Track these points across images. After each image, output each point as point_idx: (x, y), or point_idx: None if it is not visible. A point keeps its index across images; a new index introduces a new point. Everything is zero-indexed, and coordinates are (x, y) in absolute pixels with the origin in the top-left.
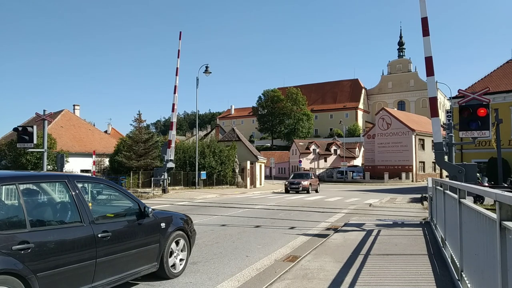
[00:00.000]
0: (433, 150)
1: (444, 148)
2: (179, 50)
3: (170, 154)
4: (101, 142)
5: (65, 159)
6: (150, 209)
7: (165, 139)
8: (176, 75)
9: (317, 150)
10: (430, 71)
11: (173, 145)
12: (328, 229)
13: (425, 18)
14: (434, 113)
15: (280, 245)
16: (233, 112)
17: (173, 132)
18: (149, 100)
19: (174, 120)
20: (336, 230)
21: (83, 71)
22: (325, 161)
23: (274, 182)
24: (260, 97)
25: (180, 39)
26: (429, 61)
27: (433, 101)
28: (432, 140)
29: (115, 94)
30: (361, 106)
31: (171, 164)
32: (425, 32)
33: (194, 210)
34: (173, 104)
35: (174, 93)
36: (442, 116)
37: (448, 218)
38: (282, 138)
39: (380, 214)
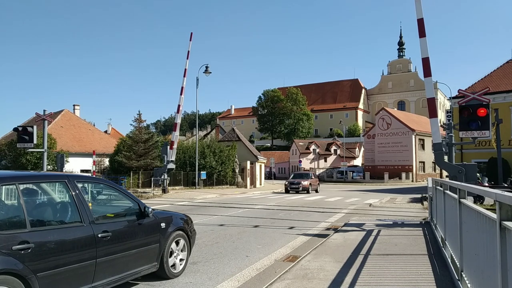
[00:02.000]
0: (433, 151)
1: (444, 148)
2: (188, 51)
3: (172, 155)
4: (101, 142)
5: (65, 159)
6: (150, 209)
7: (165, 139)
8: (184, 76)
9: (317, 150)
10: (427, 72)
11: (175, 146)
12: (328, 229)
13: (421, 19)
14: (432, 114)
15: (280, 245)
16: (233, 112)
17: (176, 133)
18: (149, 100)
19: (178, 121)
20: (336, 230)
21: (83, 71)
22: (325, 161)
23: (274, 182)
24: (260, 97)
25: (190, 40)
26: (426, 62)
27: (432, 102)
28: (432, 140)
29: (115, 94)
30: (361, 106)
31: (171, 165)
32: (422, 33)
33: (194, 210)
34: (179, 106)
35: (181, 94)
36: (442, 116)
37: (448, 218)
38: (282, 138)
39: (380, 214)
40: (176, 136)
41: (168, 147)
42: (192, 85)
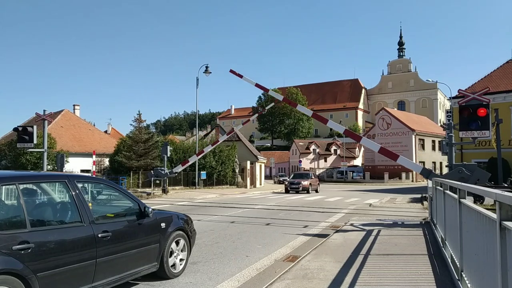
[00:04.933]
0: (428, 180)
1: (444, 149)
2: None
3: (179, 168)
4: (101, 142)
5: (65, 159)
6: (150, 209)
7: (165, 139)
8: (243, 124)
9: (317, 150)
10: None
11: (187, 165)
12: (328, 229)
13: (256, 84)
14: (393, 156)
15: (280, 245)
16: (233, 112)
17: (197, 158)
18: (149, 100)
19: (207, 150)
20: (336, 230)
21: (83, 71)
22: (325, 161)
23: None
24: (260, 97)
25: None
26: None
27: (383, 150)
28: (416, 172)
29: (115, 94)
30: (361, 106)
31: (173, 175)
32: (264, 90)
33: (194, 210)
34: (217, 141)
35: (228, 134)
36: (442, 116)
37: (448, 218)
38: (282, 138)
39: (380, 214)
40: (194, 157)
41: (181, 164)
42: (192, 85)
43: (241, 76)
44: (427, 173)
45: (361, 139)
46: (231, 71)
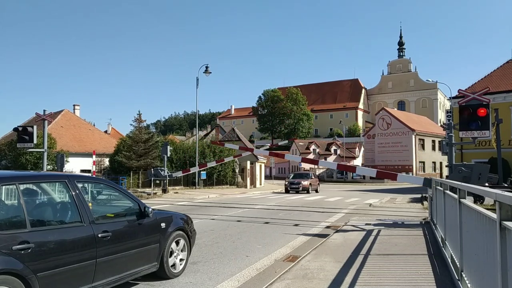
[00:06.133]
0: (427, 186)
1: (444, 148)
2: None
3: (179, 173)
4: (101, 142)
5: (65, 159)
6: (150, 209)
7: (165, 139)
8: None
9: (317, 150)
10: None
11: (188, 172)
12: (328, 229)
13: (240, 147)
14: (392, 176)
15: (280, 245)
16: (233, 112)
17: (198, 169)
18: (149, 100)
19: (210, 165)
20: (336, 230)
21: (83, 71)
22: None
23: (274, 182)
24: (260, 97)
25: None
26: None
27: (381, 174)
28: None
29: (115, 94)
30: (361, 106)
31: (173, 177)
32: None
33: (194, 210)
34: (222, 159)
35: (235, 157)
36: (442, 116)
37: (448, 218)
38: (282, 138)
39: (380, 214)
40: (195, 168)
41: (182, 170)
42: (192, 85)
43: (223, 145)
44: (429, 183)
45: (356, 169)
46: (213, 142)
